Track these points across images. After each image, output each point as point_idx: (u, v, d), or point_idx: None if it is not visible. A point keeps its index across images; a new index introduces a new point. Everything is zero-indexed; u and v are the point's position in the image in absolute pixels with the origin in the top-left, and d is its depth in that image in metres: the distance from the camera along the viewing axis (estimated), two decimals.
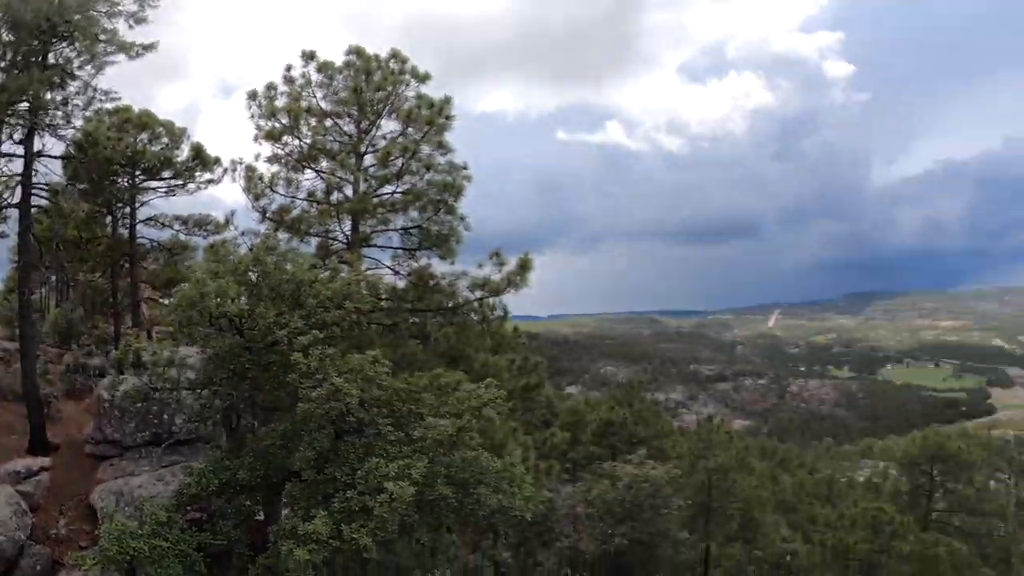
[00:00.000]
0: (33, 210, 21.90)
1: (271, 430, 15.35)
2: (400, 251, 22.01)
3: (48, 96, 20.54)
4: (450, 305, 20.71)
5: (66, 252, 27.86)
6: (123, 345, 18.83)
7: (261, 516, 16.13)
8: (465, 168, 21.49)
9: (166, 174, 28.01)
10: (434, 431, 13.88)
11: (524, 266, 19.95)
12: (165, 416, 19.70)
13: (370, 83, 21.36)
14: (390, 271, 21.88)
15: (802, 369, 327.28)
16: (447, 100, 21.28)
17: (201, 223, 29.29)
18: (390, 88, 21.46)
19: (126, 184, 27.63)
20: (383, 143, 21.68)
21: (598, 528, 22.92)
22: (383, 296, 20.46)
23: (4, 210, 22.34)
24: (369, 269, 21.16)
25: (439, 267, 21.29)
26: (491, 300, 20.52)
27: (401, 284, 21.42)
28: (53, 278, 40.52)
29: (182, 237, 29.62)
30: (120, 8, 20.40)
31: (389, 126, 21.90)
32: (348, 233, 22.00)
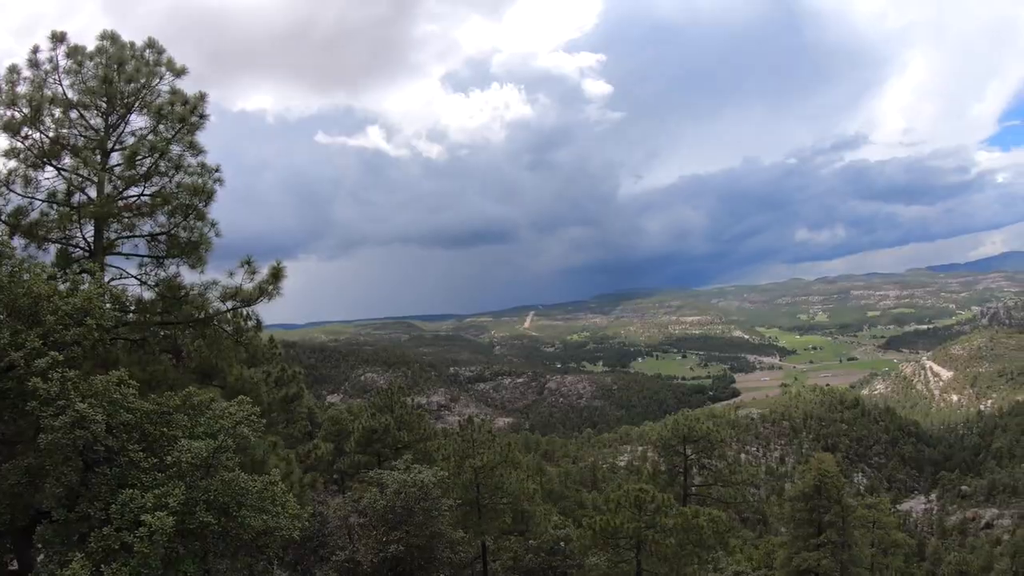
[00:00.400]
0: None
1: (14, 467, 13.65)
2: (147, 259, 20.29)
3: None
4: (201, 317, 19.45)
5: None
6: None
7: (15, 565, 14.66)
8: (217, 170, 20.24)
9: None
10: (188, 454, 13.09)
11: (276, 274, 19.28)
12: None
13: (122, 73, 19.58)
14: (137, 281, 20.09)
15: (559, 366, 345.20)
16: (202, 97, 20.13)
17: None
18: (143, 80, 19.81)
19: None
20: (132, 140, 19.94)
21: (372, 537, 22.60)
22: (129, 309, 18.96)
23: None
24: (113, 280, 19.47)
25: (188, 276, 19.94)
26: (244, 310, 19.65)
27: (148, 295, 19.76)
28: None
29: None
30: None
31: (139, 122, 20.21)
32: (91, 239, 19.96)
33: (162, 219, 20.09)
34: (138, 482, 12.64)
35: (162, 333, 19.76)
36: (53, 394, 12.69)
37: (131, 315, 18.94)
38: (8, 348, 13.47)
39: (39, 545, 13.97)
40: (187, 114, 19.77)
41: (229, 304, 19.41)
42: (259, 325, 20.27)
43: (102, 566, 11.35)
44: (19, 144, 19.71)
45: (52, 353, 13.30)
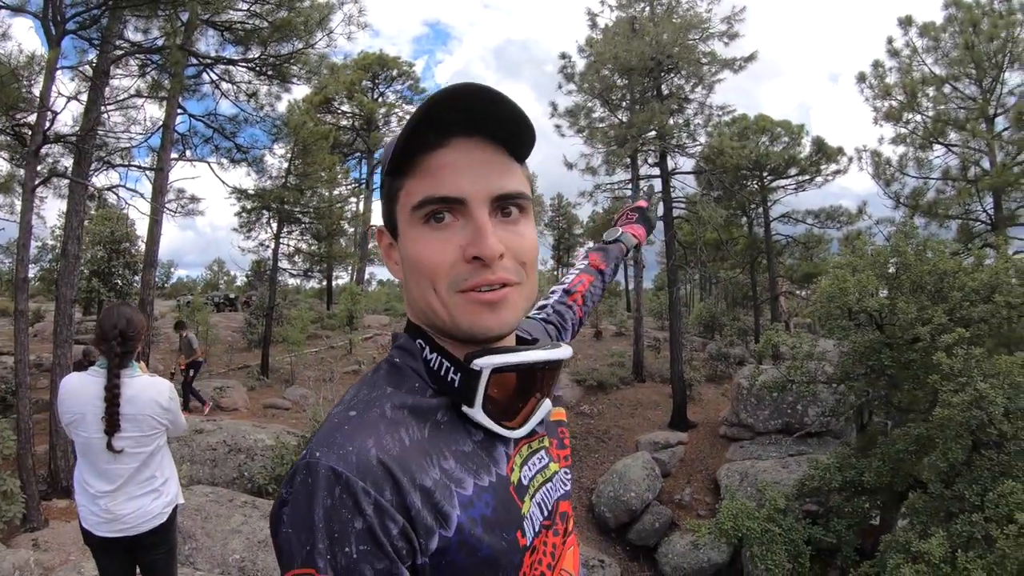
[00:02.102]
0: (675, 219, 24.91)
1: (904, 434, 14.06)
2: None
3: (671, 122, 23.46)
4: None
5: (707, 253, 30.24)
6: (764, 338, 19.83)
7: (876, 521, 15.16)
8: None
9: (792, 171, 28.77)
10: None
11: None
12: (799, 407, 20.33)
13: (979, 34, 18.63)
14: None
15: None
16: None
17: (833, 215, 29.18)
18: (1003, 34, 18.42)
19: (755, 186, 29.20)
20: (1012, 100, 18.67)
21: None
22: None
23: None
24: (1018, 253, 18.45)
25: None
26: None
27: None
28: (697, 276, 44.74)
29: (815, 231, 29.98)
30: (711, 31, 22.71)
31: (1014, 79, 18.96)
32: (991, 212, 19.53)
33: None
34: (1022, 475, 11.64)
35: None
36: (956, 370, 12.54)
37: None
38: (915, 322, 13.97)
39: (905, 511, 13.87)
40: None
41: None
42: None
43: (959, 551, 10.84)
44: (903, 130, 20.70)
45: (959, 329, 13.17)
